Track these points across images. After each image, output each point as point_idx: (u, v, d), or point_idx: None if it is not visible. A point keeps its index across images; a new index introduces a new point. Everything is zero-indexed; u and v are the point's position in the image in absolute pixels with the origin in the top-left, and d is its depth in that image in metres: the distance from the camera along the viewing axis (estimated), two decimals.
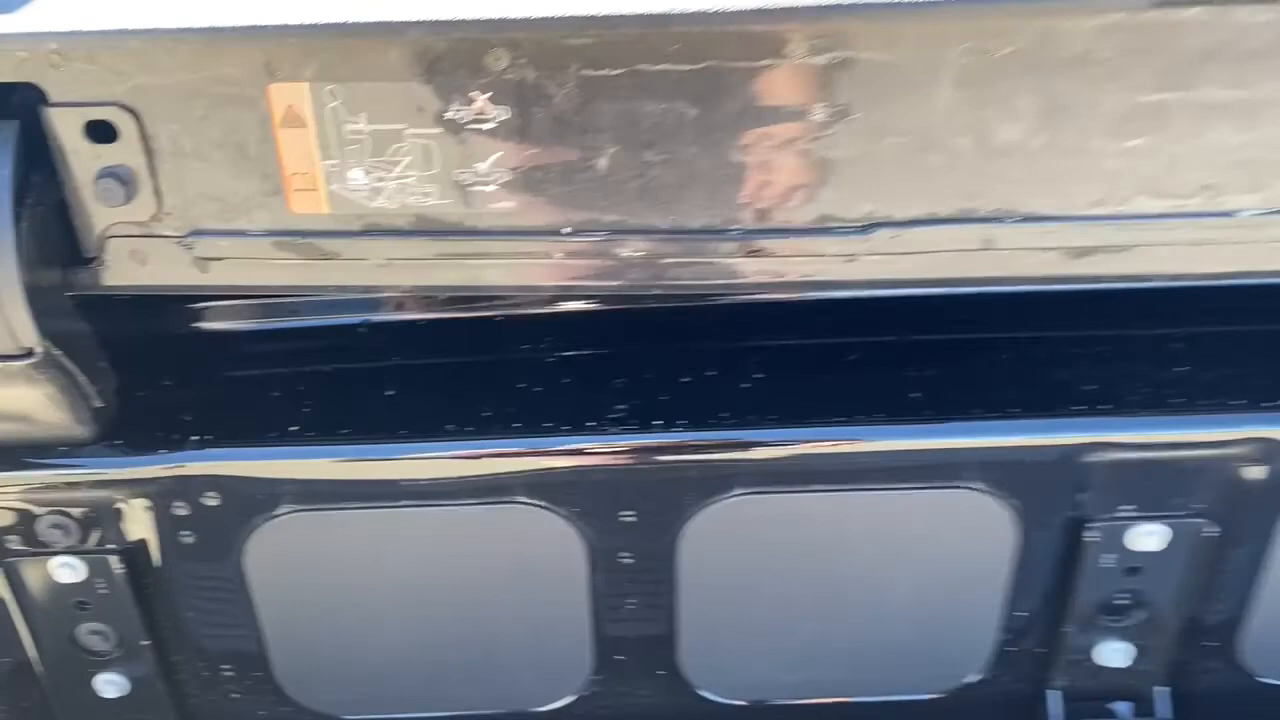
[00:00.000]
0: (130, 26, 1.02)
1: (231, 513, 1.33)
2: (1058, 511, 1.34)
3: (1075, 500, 1.33)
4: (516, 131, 1.07)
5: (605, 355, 1.40)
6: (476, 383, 1.38)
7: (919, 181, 1.10)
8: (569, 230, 1.13)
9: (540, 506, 1.32)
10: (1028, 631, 1.45)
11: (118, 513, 1.33)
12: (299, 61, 1.04)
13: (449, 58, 1.03)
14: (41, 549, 1.35)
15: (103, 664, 1.46)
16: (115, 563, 1.36)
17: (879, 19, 1.02)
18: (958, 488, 1.31)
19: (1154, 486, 1.32)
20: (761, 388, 1.34)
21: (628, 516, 1.33)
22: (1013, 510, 1.33)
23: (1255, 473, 1.31)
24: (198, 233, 1.14)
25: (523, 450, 1.31)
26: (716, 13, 1.01)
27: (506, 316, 1.44)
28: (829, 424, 1.31)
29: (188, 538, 1.35)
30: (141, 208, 1.12)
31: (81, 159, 1.09)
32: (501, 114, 1.06)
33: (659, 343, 1.42)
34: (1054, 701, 1.51)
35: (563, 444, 1.30)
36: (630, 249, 1.14)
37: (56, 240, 1.13)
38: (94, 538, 1.35)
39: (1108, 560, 1.37)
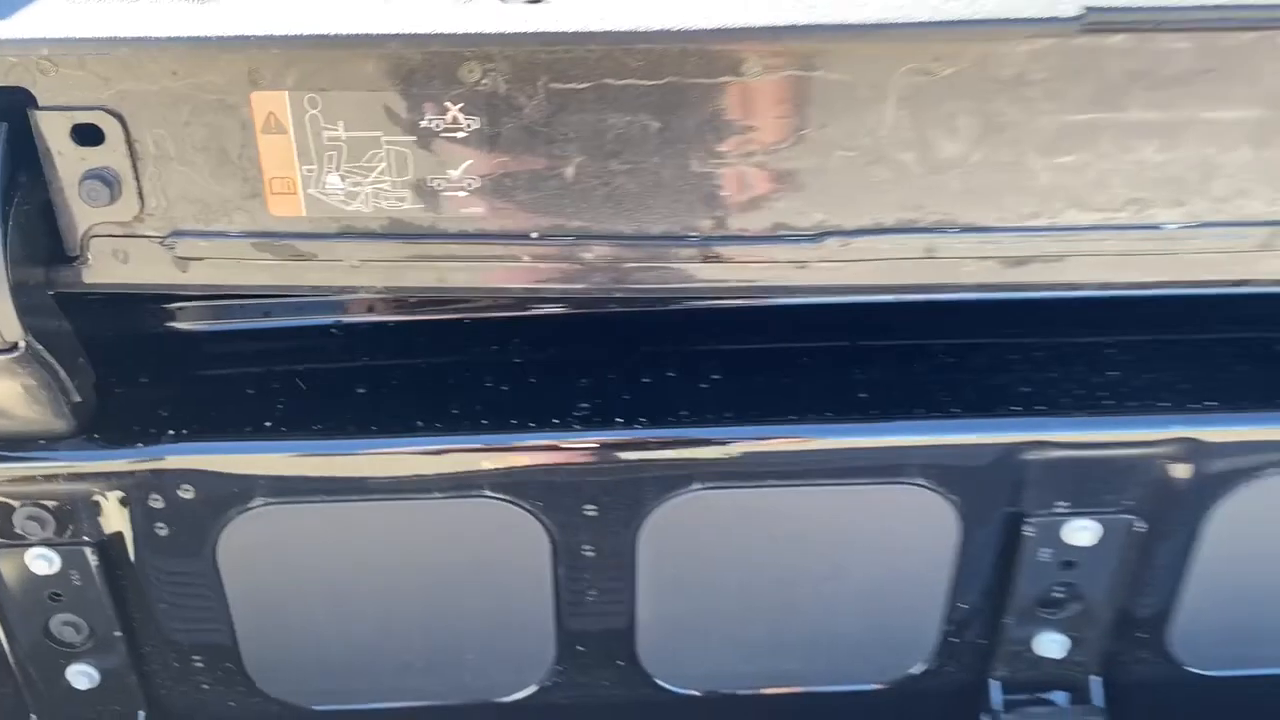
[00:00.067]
0: (119, 35, 1.05)
1: (206, 506, 1.36)
2: (997, 507, 1.40)
3: (1013, 496, 1.40)
4: (487, 140, 1.12)
5: (570, 357, 1.45)
6: (445, 382, 1.41)
7: (866, 193, 1.16)
8: (536, 235, 1.18)
9: (506, 501, 1.36)
10: (970, 623, 1.52)
11: (94, 505, 1.36)
12: (281, 71, 1.08)
13: (424, 69, 1.08)
14: (17, 541, 1.37)
15: (75, 655, 1.48)
16: (90, 555, 1.39)
17: (829, 40, 1.08)
18: (902, 483, 1.37)
19: (1087, 484, 1.39)
20: (719, 388, 1.40)
21: (590, 510, 1.37)
22: (954, 506, 1.39)
23: (1180, 471, 1.38)
24: (178, 233, 1.18)
25: (489, 446, 1.35)
26: (677, 32, 1.06)
27: (474, 319, 1.49)
28: (782, 422, 1.36)
29: (162, 530, 1.37)
30: (124, 208, 1.15)
31: (67, 161, 1.12)
32: (473, 123, 1.11)
33: (621, 345, 1.46)
34: (995, 691, 1.57)
35: (528, 440, 1.34)
36: (595, 253, 1.19)
37: (41, 239, 1.16)
38: (69, 530, 1.37)
39: (1044, 554, 1.43)
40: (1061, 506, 1.40)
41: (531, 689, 1.54)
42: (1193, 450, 1.37)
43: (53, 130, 1.11)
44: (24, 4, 1.09)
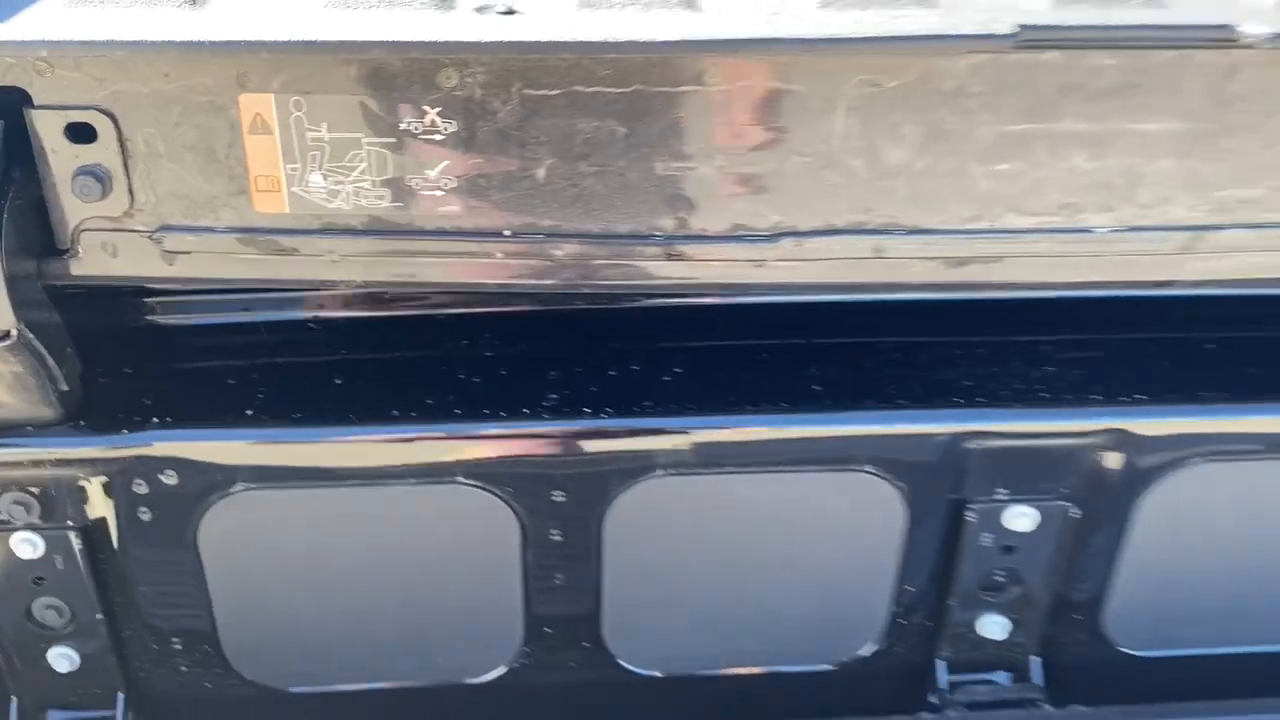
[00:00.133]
0: (114, 38, 1.10)
1: (188, 491, 1.39)
2: (941, 494, 1.47)
3: (956, 484, 1.47)
4: (463, 143, 1.17)
5: (539, 352, 1.50)
6: (419, 374, 1.46)
7: (819, 196, 1.23)
8: (509, 233, 1.23)
9: (477, 487, 1.41)
10: (917, 606, 1.58)
11: (79, 491, 1.39)
12: (268, 74, 1.13)
13: (404, 75, 1.13)
14: (2, 525, 1.40)
15: (56, 638, 1.51)
16: (74, 539, 1.42)
17: (784, 53, 1.15)
18: (852, 471, 1.44)
19: (1024, 472, 1.46)
20: (680, 381, 1.46)
21: (558, 496, 1.42)
22: (901, 492, 1.46)
23: (1111, 460, 1.46)
24: (166, 228, 1.22)
25: (462, 434, 1.40)
26: (643, 43, 1.13)
27: (446, 315, 1.54)
28: (739, 413, 1.42)
29: (145, 515, 1.41)
30: (115, 204, 1.20)
31: (61, 158, 1.17)
32: (450, 126, 1.16)
33: (588, 341, 1.52)
34: (941, 671, 1.63)
35: (499, 429, 1.39)
36: (564, 251, 1.25)
37: (33, 233, 1.20)
38: (54, 515, 1.40)
39: (985, 539, 1.51)
40: (1001, 493, 1.47)
41: (501, 670, 1.58)
42: (1122, 441, 1.45)
43: (47, 128, 1.15)
44: (22, 7, 1.14)
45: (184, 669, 1.56)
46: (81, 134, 1.16)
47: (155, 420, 1.38)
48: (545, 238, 1.24)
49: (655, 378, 1.46)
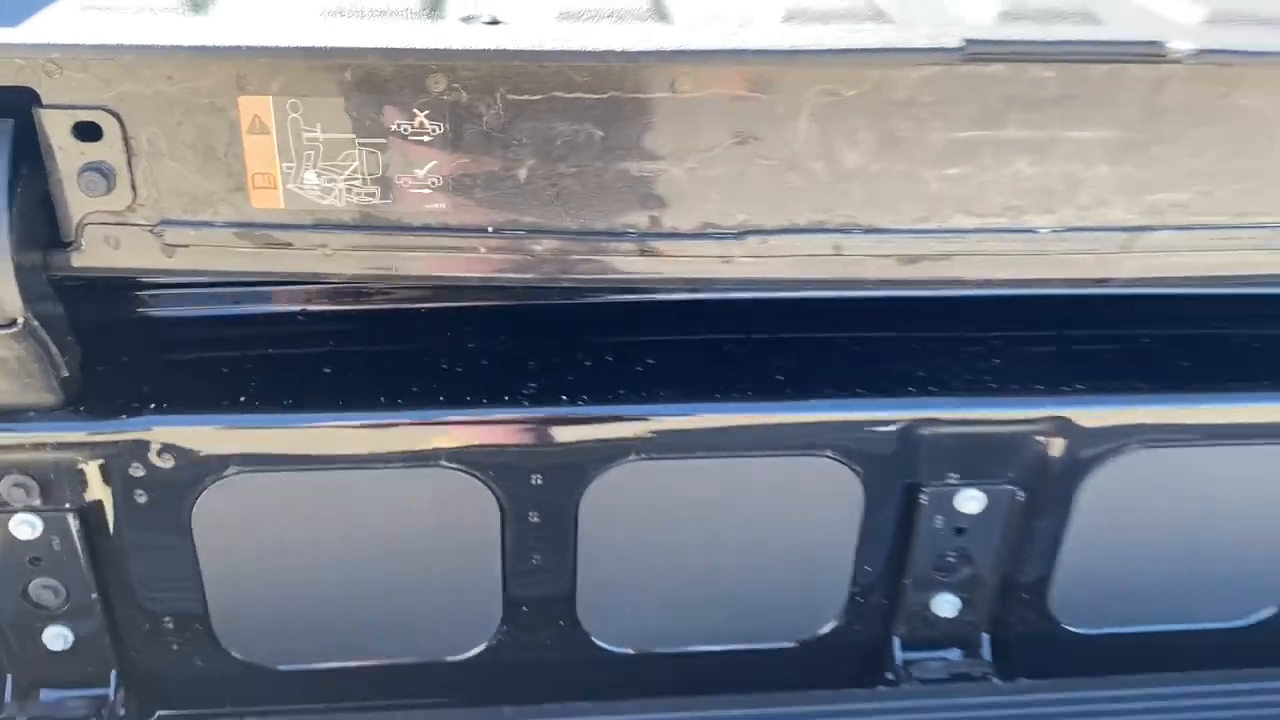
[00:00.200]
0: (121, 42, 1.16)
1: (182, 474, 1.43)
2: (896, 478, 1.53)
3: (910, 468, 1.53)
4: (450, 144, 1.23)
5: (519, 343, 1.56)
6: (405, 365, 1.51)
7: (782, 197, 1.29)
8: (492, 229, 1.29)
9: (460, 471, 1.47)
10: (874, 585, 1.65)
11: (78, 474, 1.43)
12: (266, 78, 1.18)
13: (395, 80, 1.19)
14: (3, 507, 1.44)
15: (52, 618, 1.54)
16: (71, 521, 1.45)
17: (750, 64, 1.22)
18: (813, 456, 1.50)
19: (973, 457, 1.53)
20: (652, 371, 1.52)
21: (536, 480, 1.48)
22: (859, 476, 1.52)
23: (1054, 447, 1.53)
24: (167, 222, 1.27)
25: (445, 420, 1.45)
26: (618, 52, 1.19)
27: (430, 309, 1.59)
28: (708, 400, 1.48)
29: (141, 497, 1.45)
30: (118, 199, 1.25)
31: (68, 155, 1.21)
32: (438, 129, 1.22)
33: (566, 334, 1.58)
34: (896, 647, 1.70)
35: (481, 415, 1.45)
36: (544, 247, 1.31)
37: (39, 226, 1.25)
38: (53, 497, 1.44)
39: (938, 521, 1.57)
40: (953, 478, 1.54)
41: (480, 648, 1.63)
42: (1063, 428, 1.52)
43: (55, 127, 1.20)
44: (33, 11, 1.19)
45: (175, 647, 1.59)
46: (88, 132, 1.21)
47: (152, 406, 1.42)
48: (526, 234, 1.29)
49: (628, 368, 1.52)
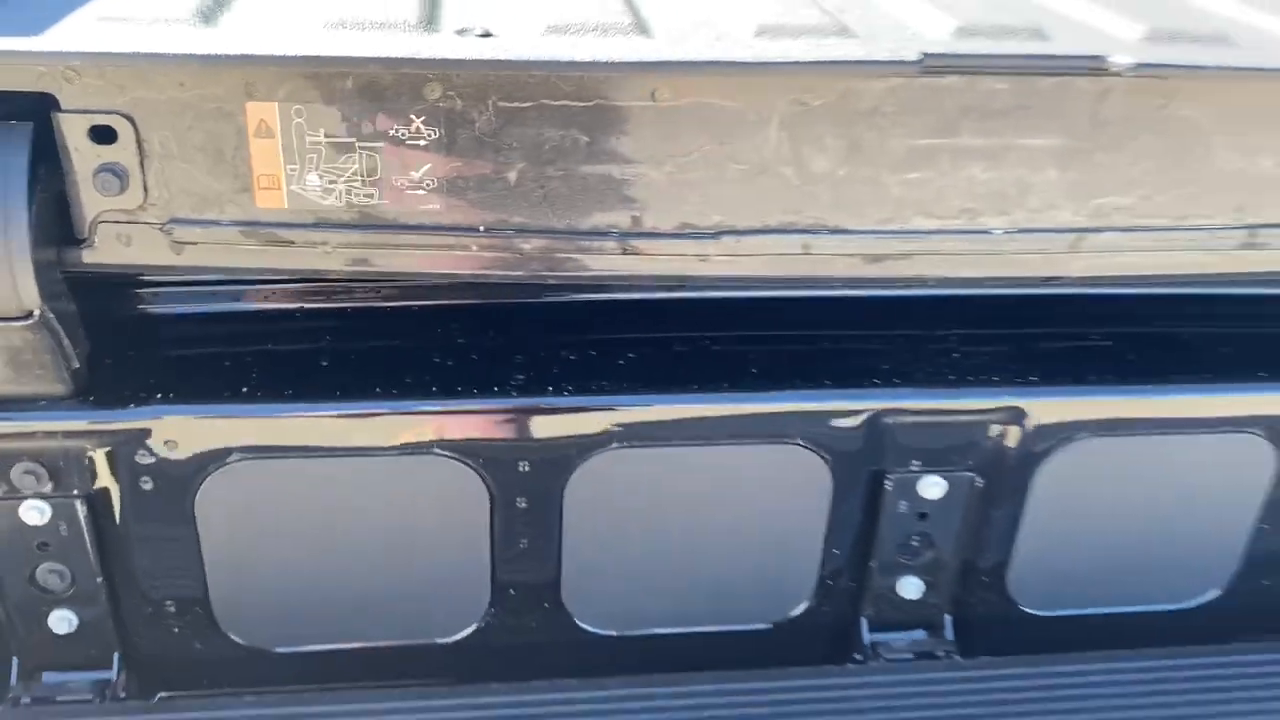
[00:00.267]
0: (137, 51, 1.22)
1: (188, 461, 1.48)
2: (862, 465, 1.59)
3: (875, 456, 1.59)
4: (445, 148, 1.29)
5: (507, 339, 1.62)
6: (399, 358, 1.57)
7: (755, 199, 1.36)
8: (483, 229, 1.34)
9: (451, 458, 1.52)
10: (843, 568, 1.70)
11: (86, 461, 1.47)
12: (273, 85, 1.24)
13: (394, 87, 1.25)
14: (13, 494, 1.48)
15: (58, 602, 1.57)
16: (79, 507, 1.49)
17: (724, 75, 1.29)
18: (785, 444, 1.56)
19: (935, 445, 1.59)
20: (633, 364, 1.58)
21: (524, 466, 1.54)
22: (827, 463, 1.58)
23: (1010, 436, 1.60)
24: (176, 221, 1.32)
25: (438, 409, 1.50)
26: (602, 63, 1.26)
27: (423, 307, 1.65)
28: (686, 392, 1.54)
29: (147, 484, 1.50)
30: (130, 198, 1.30)
31: (83, 157, 1.27)
32: (433, 134, 1.28)
33: (551, 330, 1.64)
34: (864, 628, 1.76)
35: (471, 405, 1.51)
36: (532, 245, 1.36)
37: (55, 223, 1.30)
38: (62, 484, 1.48)
39: (902, 506, 1.63)
40: (915, 465, 1.61)
41: (470, 630, 1.68)
42: (1018, 418, 1.59)
43: (72, 130, 1.25)
44: (53, 21, 1.25)
45: (176, 630, 1.63)
46: (103, 135, 1.26)
47: (158, 396, 1.47)
48: (515, 234, 1.35)
49: (611, 362, 1.58)
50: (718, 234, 1.39)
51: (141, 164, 1.28)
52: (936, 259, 1.44)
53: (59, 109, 1.25)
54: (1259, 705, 1.63)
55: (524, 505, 1.58)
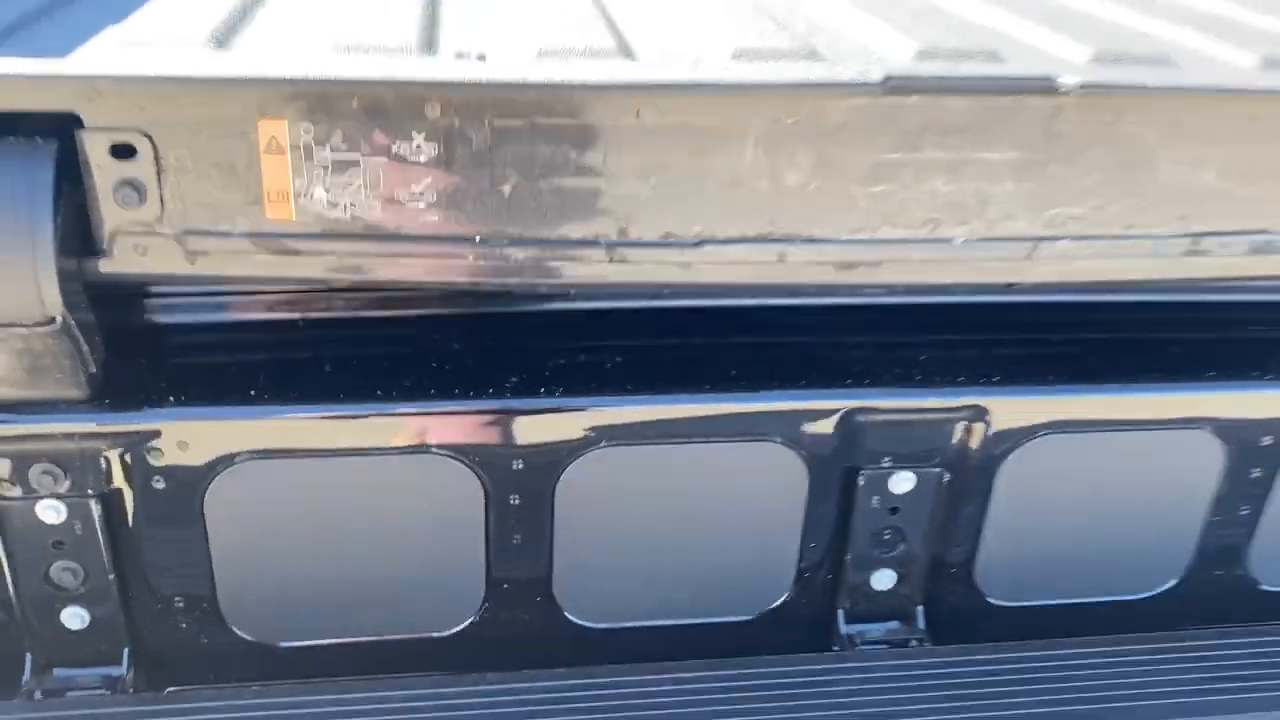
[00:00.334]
0: (157, 73, 1.29)
1: (198, 461, 1.53)
2: (837, 461, 1.65)
3: (849, 452, 1.64)
4: (444, 163, 1.35)
5: (501, 345, 1.69)
6: (398, 364, 1.63)
7: (733, 210, 1.42)
8: (479, 239, 1.40)
9: (448, 457, 1.58)
10: (820, 561, 1.76)
11: (101, 462, 1.51)
12: (283, 104, 1.30)
13: (396, 107, 1.31)
14: (31, 494, 1.53)
15: (71, 598, 1.61)
16: (94, 506, 1.54)
17: (703, 95, 1.36)
18: (763, 442, 1.63)
19: (905, 441, 1.65)
20: (620, 368, 1.64)
21: (517, 465, 1.59)
22: (804, 460, 1.64)
23: (974, 433, 1.67)
24: (190, 232, 1.37)
25: (435, 411, 1.56)
26: (590, 84, 1.34)
27: (421, 315, 1.72)
28: (670, 392, 1.61)
29: (158, 484, 1.54)
30: (148, 211, 1.35)
31: (105, 172, 1.32)
32: (433, 149, 1.34)
33: (543, 335, 1.71)
34: (841, 619, 1.82)
35: (468, 406, 1.57)
36: (524, 254, 1.42)
37: (76, 234, 1.36)
38: (77, 484, 1.52)
39: (874, 501, 1.69)
40: (887, 461, 1.67)
41: (466, 623, 1.73)
42: (981, 415, 1.66)
43: (95, 147, 1.31)
44: (77, 44, 1.32)
45: (184, 626, 1.67)
46: (123, 152, 1.31)
47: (170, 400, 1.53)
48: (509, 243, 1.41)
49: (599, 365, 1.64)
50: (699, 243, 1.45)
51: (159, 178, 1.34)
52: (903, 266, 1.51)
53: (82, 127, 1.30)
54: (1211, 686, 1.70)
55: (516, 502, 1.63)
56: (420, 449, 1.58)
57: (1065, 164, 1.47)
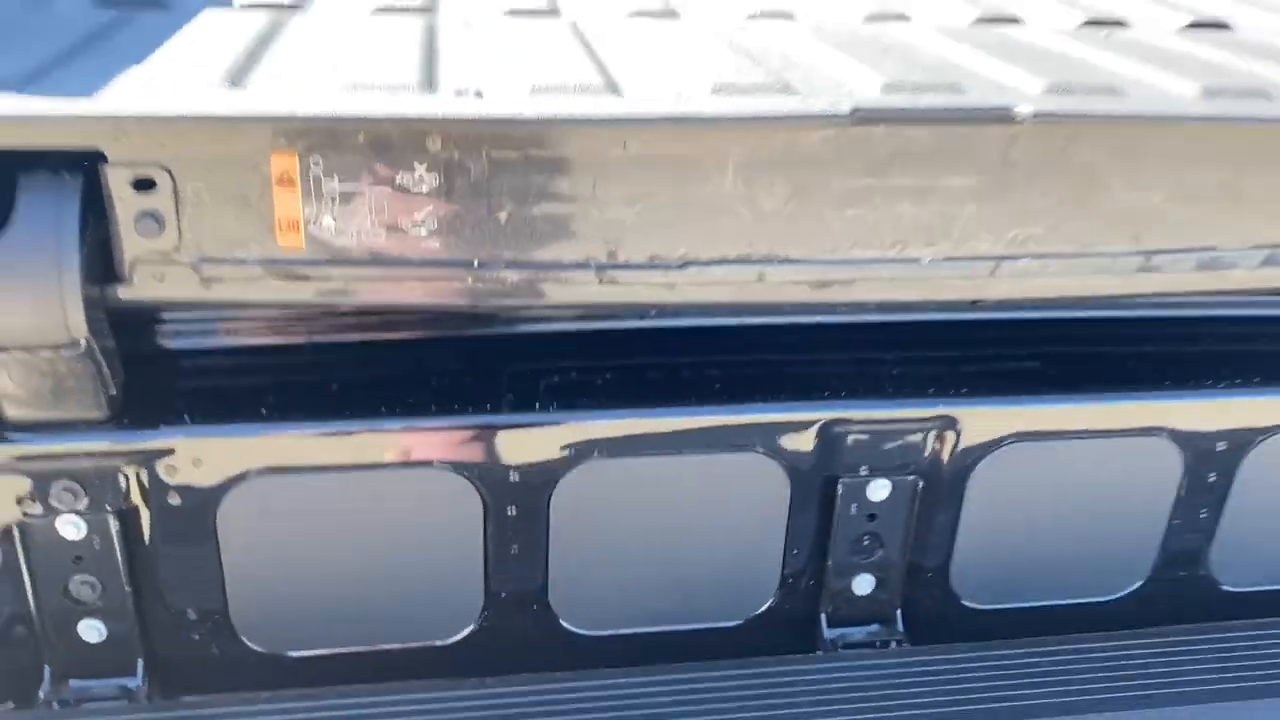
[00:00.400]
0: (176, 113, 1.36)
1: (211, 478, 1.58)
2: (817, 470, 1.71)
3: (829, 462, 1.70)
4: (444, 193, 1.42)
5: (498, 364, 1.75)
6: (401, 383, 1.68)
7: (715, 234, 1.49)
8: (477, 263, 1.46)
9: (449, 471, 1.64)
10: (804, 568, 1.82)
11: (119, 479, 1.56)
12: (294, 139, 1.36)
13: (400, 141, 1.38)
14: (51, 510, 1.57)
15: (88, 611, 1.65)
16: (111, 521, 1.58)
17: (685, 127, 1.44)
18: (748, 453, 1.68)
19: (880, 451, 1.72)
20: (610, 383, 1.70)
21: (514, 477, 1.65)
22: (786, 470, 1.70)
23: (945, 442, 1.74)
24: (205, 259, 1.43)
25: (435, 427, 1.62)
26: (580, 118, 1.42)
27: (422, 338, 1.78)
28: (659, 406, 1.66)
29: (174, 500, 1.59)
30: (166, 240, 1.40)
31: (126, 204, 1.38)
32: (434, 180, 1.40)
33: (537, 356, 1.78)
34: (824, 623, 1.88)
35: (467, 421, 1.62)
36: (520, 277, 1.48)
37: (99, 262, 1.42)
38: (97, 501, 1.56)
39: (853, 509, 1.75)
40: (864, 470, 1.73)
41: (466, 632, 1.77)
42: (951, 425, 1.73)
43: (118, 181, 1.37)
44: (102, 85, 1.39)
45: (196, 637, 1.70)
46: (144, 185, 1.37)
47: (186, 419, 1.58)
48: (505, 267, 1.47)
49: (591, 381, 1.70)
50: (683, 265, 1.52)
51: (177, 209, 1.39)
52: (874, 284, 1.57)
53: (106, 162, 1.37)
54: (1175, 680, 1.76)
55: (513, 514, 1.69)
56: (421, 464, 1.64)
57: (1023, 187, 1.54)
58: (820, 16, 1.99)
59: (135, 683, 1.72)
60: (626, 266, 1.51)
